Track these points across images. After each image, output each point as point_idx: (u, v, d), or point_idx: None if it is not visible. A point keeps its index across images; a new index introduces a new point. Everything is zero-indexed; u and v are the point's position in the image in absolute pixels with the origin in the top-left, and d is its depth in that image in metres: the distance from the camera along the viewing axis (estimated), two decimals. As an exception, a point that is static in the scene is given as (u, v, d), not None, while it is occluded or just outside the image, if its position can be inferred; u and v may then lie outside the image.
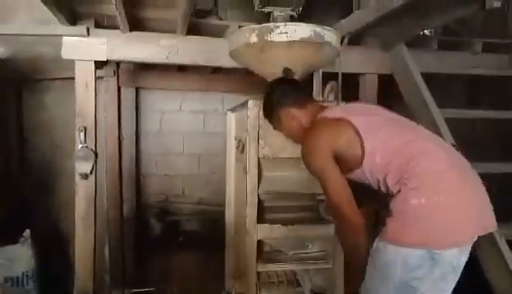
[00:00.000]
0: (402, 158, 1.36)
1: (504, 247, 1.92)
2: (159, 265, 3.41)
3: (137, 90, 3.41)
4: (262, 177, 1.92)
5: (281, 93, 1.71)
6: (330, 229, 1.95)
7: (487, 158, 2.27)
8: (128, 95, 3.35)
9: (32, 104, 3.21)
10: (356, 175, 1.49)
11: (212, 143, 3.60)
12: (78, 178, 2.22)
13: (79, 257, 2.25)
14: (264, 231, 1.89)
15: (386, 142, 1.42)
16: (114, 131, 3.26)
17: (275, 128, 1.79)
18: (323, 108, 1.68)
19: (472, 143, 2.30)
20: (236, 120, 2.21)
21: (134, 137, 3.41)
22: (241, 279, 1.98)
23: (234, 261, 2.20)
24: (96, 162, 2.24)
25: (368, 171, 1.44)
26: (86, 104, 2.22)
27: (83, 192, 2.23)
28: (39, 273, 2.78)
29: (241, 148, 2.04)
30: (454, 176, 1.33)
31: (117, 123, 3.27)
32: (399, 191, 1.34)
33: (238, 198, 2.16)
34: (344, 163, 1.47)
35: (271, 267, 1.92)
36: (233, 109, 2.29)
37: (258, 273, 1.92)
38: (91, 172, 2.22)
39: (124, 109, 3.34)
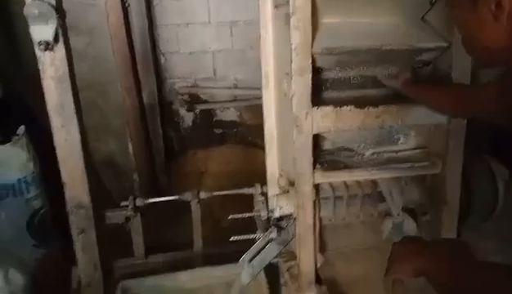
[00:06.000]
0: None
1: None
2: (190, 164, 2.82)
3: None
4: (320, 25, 1.09)
5: None
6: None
7: None
8: None
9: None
10: None
11: (246, 6, 2.68)
12: (38, 50, 1.48)
13: (64, 161, 1.62)
14: (324, 119, 1.12)
15: None
16: (114, -5, 2.45)
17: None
18: None
19: None
20: None
21: (144, 3, 2.59)
22: (290, 193, 1.28)
23: (280, 164, 1.48)
24: (62, 26, 1.47)
25: None
26: None
27: (50, 70, 1.50)
28: (42, 178, 2.25)
29: (281, -22, 1.19)
30: None
31: (117, -17, 2.44)
32: None
33: (279, 67, 1.36)
34: None
35: (336, 176, 1.18)
36: None
37: (316, 186, 1.20)
38: (55, 40, 1.46)
39: (125, -37, 2.47)
